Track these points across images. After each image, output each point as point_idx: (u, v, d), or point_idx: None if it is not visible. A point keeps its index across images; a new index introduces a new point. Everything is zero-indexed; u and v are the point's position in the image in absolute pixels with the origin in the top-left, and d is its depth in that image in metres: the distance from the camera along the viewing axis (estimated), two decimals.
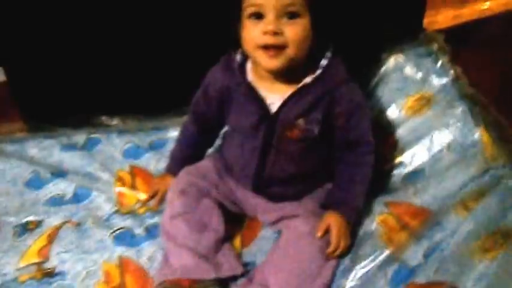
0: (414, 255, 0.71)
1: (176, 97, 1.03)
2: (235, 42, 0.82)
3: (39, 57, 1.06)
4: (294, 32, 0.75)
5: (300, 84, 0.80)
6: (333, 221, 0.78)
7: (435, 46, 0.94)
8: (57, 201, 0.96)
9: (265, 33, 0.75)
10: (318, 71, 0.80)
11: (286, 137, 0.80)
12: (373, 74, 0.97)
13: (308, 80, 0.80)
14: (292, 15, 0.75)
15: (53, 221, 0.91)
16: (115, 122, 1.10)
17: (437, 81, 0.92)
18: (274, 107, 0.80)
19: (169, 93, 1.05)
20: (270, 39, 0.75)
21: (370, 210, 0.82)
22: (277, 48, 0.76)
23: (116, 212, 0.93)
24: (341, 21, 0.84)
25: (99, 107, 1.11)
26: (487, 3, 1.29)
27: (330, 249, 0.76)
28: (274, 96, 0.80)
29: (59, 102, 1.11)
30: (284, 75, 0.80)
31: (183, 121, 1.00)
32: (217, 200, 0.87)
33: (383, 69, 0.97)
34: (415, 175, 0.86)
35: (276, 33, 0.75)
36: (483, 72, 1.04)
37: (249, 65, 0.84)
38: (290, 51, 0.76)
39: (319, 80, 0.80)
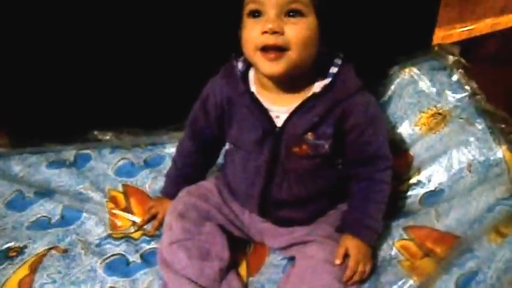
0: (445, 285, 0.62)
1: (174, 110, 0.92)
2: (236, 50, 0.72)
3: (26, 65, 0.94)
4: (296, 31, 0.65)
5: (308, 94, 0.70)
6: (351, 245, 0.68)
7: (450, 59, 0.86)
8: (42, 225, 0.84)
9: (264, 32, 0.65)
10: (328, 79, 0.70)
11: (294, 154, 0.70)
12: (384, 88, 0.89)
13: (317, 89, 0.70)
14: (295, 14, 0.66)
15: (38, 247, 0.78)
16: (108, 136, 0.98)
17: (453, 97, 0.84)
18: (279, 121, 0.70)
19: (167, 106, 0.95)
20: (269, 39, 0.65)
21: (387, 234, 0.73)
22: (278, 50, 0.66)
23: (108, 236, 0.81)
24: (350, 29, 0.76)
25: (91, 121, 0.99)
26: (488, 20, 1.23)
27: (347, 274, 0.66)
28: (280, 108, 0.71)
29: (47, 115, 0.99)
30: (290, 84, 0.70)
31: (181, 136, 0.91)
32: (220, 224, 0.76)
33: (395, 83, 0.89)
34: (434, 196, 0.77)
35: (275, 32, 0.65)
36: (488, 89, 0.98)
37: (251, 74, 0.74)
38: (292, 54, 0.66)
39: (329, 89, 0.70)
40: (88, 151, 0.96)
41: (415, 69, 0.88)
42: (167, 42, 0.93)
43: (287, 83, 0.70)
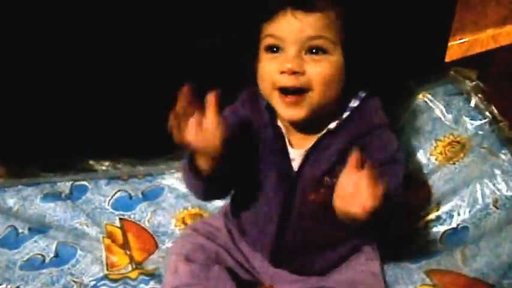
0: None
1: (172, 139, 0.86)
2: (238, 81, 0.64)
3: (20, 93, 0.87)
4: (318, 70, 0.57)
5: (322, 132, 0.61)
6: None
7: (467, 84, 0.78)
8: (36, 264, 0.76)
9: (282, 72, 0.57)
10: (346, 114, 0.61)
11: (311, 200, 0.61)
12: (397, 115, 0.80)
13: (332, 125, 0.61)
14: (318, 51, 0.57)
15: None
16: (104, 166, 0.90)
17: (471, 124, 0.76)
18: (295, 164, 0.61)
19: (165, 134, 0.88)
20: (288, 81, 0.57)
21: (406, 278, 0.65)
22: (298, 93, 0.57)
23: (105, 277, 0.73)
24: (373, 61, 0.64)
25: (87, 150, 0.92)
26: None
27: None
28: (294, 151, 0.62)
29: (42, 144, 0.91)
30: (314, 121, 0.60)
31: (181, 165, 0.83)
32: (229, 267, 0.67)
33: (408, 109, 0.80)
34: (458, 235, 0.69)
35: (295, 73, 0.56)
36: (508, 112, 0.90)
37: None
38: (314, 96, 0.57)
39: (347, 124, 0.61)
40: (84, 182, 0.88)
41: (428, 95, 0.80)
42: (165, 69, 0.85)
43: (310, 122, 0.60)
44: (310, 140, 0.61)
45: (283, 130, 0.62)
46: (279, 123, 0.63)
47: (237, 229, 0.70)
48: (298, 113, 0.58)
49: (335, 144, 0.60)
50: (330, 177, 0.59)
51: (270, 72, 0.58)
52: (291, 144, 0.62)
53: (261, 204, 0.65)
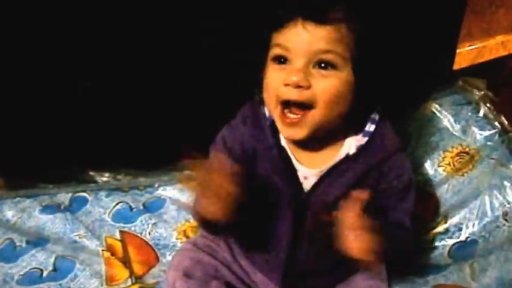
0: None
1: (175, 149, 0.85)
2: (244, 91, 0.62)
3: (20, 101, 0.85)
4: (325, 87, 0.54)
5: (341, 155, 0.58)
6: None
7: (476, 93, 0.77)
8: (33, 278, 0.75)
9: (286, 84, 0.54)
10: (364, 139, 0.59)
11: (324, 223, 0.57)
12: (403, 125, 0.78)
13: (351, 150, 0.58)
14: (327, 65, 0.54)
15: None
16: (105, 178, 0.89)
17: (480, 134, 0.75)
18: (307, 183, 0.59)
19: (168, 145, 0.84)
20: (292, 94, 0.54)
21: None
22: (301, 108, 0.55)
23: None
24: (389, 72, 0.62)
25: (87, 161, 0.90)
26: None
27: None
28: (308, 169, 0.59)
29: (42, 154, 0.89)
30: (320, 140, 0.58)
31: (183, 177, 0.80)
32: (228, 282, 0.66)
33: (415, 119, 0.79)
34: (466, 249, 0.68)
35: (300, 86, 0.54)
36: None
37: None
38: (317, 114, 0.55)
39: (365, 150, 0.58)
40: (84, 194, 0.87)
41: (436, 105, 0.78)
42: (168, 79, 0.84)
43: (316, 140, 0.58)
44: (323, 161, 0.59)
45: (290, 149, 0.59)
46: (284, 143, 0.60)
47: (238, 244, 0.67)
48: (298, 132, 0.56)
49: (352, 170, 0.58)
50: (343, 202, 0.56)
51: (275, 83, 0.56)
52: (300, 163, 0.59)
53: (269, 227, 0.62)
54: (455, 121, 0.77)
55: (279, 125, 0.57)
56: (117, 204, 0.85)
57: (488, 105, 0.75)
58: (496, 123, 0.74)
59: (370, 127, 0.59)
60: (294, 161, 0.59)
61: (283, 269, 0.63)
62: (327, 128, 0.57)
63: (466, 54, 1.08)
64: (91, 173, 0.90)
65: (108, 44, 0.81)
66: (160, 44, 0.83)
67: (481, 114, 0.76)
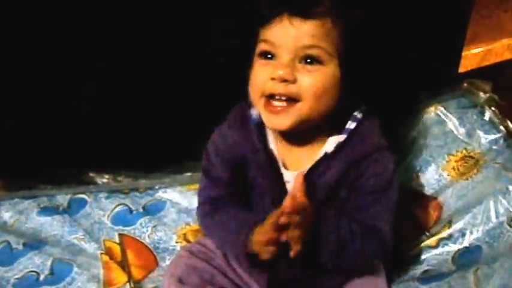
0: None
1: (176, 151, 0.84)
2: (242, 89, 0.61)
3: (18, 100, 0.85)
4: (311, 81, 0.54)
5: (321, 155, 0.58)
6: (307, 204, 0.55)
7: (481, 96, 0.75)
8: (29, 282, 0.73)
9: (273, 79, 0.54)
10: (342, 136, 0.59)
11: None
12: (407, 129, 0.78)
13: (329, 148, 0.58)
14: (313, 61, 0.55)
15: None
16: (105, 179, 0.87)
17: (485, 138, 0.74)
18: (290, 186, 0.59)
19: (169, 146, 0.85)
20: (277, 88, 0.55)
21: None
22: (287, 101, 0.55)
23: None
24: (375, 73, 0.62)
25: (87, 162, 0.88)
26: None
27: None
28: (291, 171, 0.59)
29: (41, 154, 0.88)
30: (305, 138, 0.59)
31: (184, 179, 0.82)
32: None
33: (419, 122, 0.78)
34: (470, 255, 0.66)
35: (286, 81, 0.54)
36: None
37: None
38: (303, 107, 0.55)
39: (344, 147, 0.58)
40: (83, 195, 0.85)
41: (441, 107, 0.77)
42: (168, 80, 0.83)
43: (302, 139, 0.59)
44: (305, 162, 0.59)
45: (277, 152, 0.60)
46: (271, 146, 0.60)
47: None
48: (283, 122, 0.56)
49: (332, 169, 0.58)
50: (328, 200, 0.57)
51: (261, 78, 0.56)
52: (285, 167, 0.60)
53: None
54: (460, 124, 0.76)
55: (264, 115, 0.57)
56: (117, 206, 0.84)
57: (493, 108, 0.74)
58: (501, 127, 0.73)
59: (351, 125, 0.59)
60: (280, 163, 0.59)
61: (269, 274, 0.62)
62: (311, 122, 0.57)
63: (472, 57, 1.07)
64: (91, 174, 0.89)
65: (107, 47, 0.80)
66: (161, 47, 0.82)
67: (486, 117, 0.75)
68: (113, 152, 0.89)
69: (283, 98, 0.55)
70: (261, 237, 0.54)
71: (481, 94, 0.76)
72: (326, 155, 0.58)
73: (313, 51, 0.55)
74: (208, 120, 0.72)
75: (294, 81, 0.55)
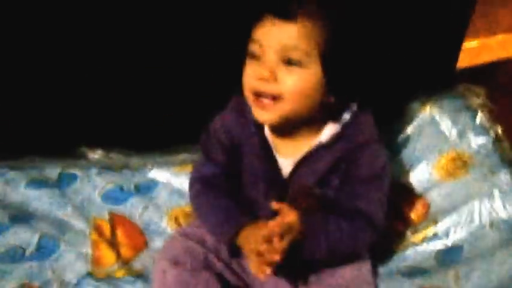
0: None
1: (172, 131, 0.83)
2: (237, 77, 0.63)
3: (10, 71, 0.81)
4: (290, 83, 0.58)
5: (315, 145, 0.62)
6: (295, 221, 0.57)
7: (475, 100, 0.77)
8: (15, 256, 0.72)
9: (258, 78, 0.59)
10: (337, 128, 0.62)
11: (300, 207, 0.60)
12: (402, 127, 0.79)
13: (324, 138, 0.62)
14: (292, 63, 0.57)
15: (6, 284, 0.67)
16: (97, 155, 0.86)
17: (475, 140, 0.76)
18: (285, 171, 0.63)
19: (164, 125, 0.85)
20: (262, 86, 0.59)
21: None
22: (272, 98, 0.59)
23: (88, 275, 0.70)
24: (364, 71, 0.64)
25: (80, 135, 0.87)
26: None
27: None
28: (285, 158, 0.63)
29: (33, 126, 0.86)
30: (295, 130, 0.62)
31: (177, 160, 0.82)
32: (218, 272, 0.66)
33: (414, 121, 0.79)
34: (452, 254, 0.69)
35: (268, 80, 0.58)
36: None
37: None
38: (285, 105, 0.59)
39: (339, 138, 0.62)
40: (74, 171, 0.84)
41: (436, 108, 0.79)
42: (166, 59, 0.82)
43: (295, 129, 0.62)
44: (299, 149, 0.62)
45: (271, 139, 0.63)
46: (266, 132, 0.63)
47: None
48: (269, 117, 0.59)
49: (326, 158, 0.61)
50: (320, 187, 0.61)
51: (249, 77, 0.59)
52: (279, 153, 0.63)
53: (252, 212, 0.64)
54: (452, 126, 0.78)
55: (253, 109, 0.61)
56: (108, 183, 0.83)
57: (485, 113, 0.76)
58: (491, 132, 0.75)
59: (346, 117, 0.62)
60: (273, 149, 0.62)
61: None
62: (298, 118, 0.60)
63: (466, 54, 1.08)
64: (82, 149, 0.87)
65: (103, 27, 0.78)
66: (156, 28, 0.80)
67: (477, 121, 0.77)
68: (107, 128, 0.87)
69: (269, 96, 0.59)
70: (251, 246, 0.58)
71: (475, 98, 0.78)
72: (321, 144, 0.61)
73: (291, 54, 0.57)
74: (204, 104, 0.73)
75: (276, 81, 0.58)
